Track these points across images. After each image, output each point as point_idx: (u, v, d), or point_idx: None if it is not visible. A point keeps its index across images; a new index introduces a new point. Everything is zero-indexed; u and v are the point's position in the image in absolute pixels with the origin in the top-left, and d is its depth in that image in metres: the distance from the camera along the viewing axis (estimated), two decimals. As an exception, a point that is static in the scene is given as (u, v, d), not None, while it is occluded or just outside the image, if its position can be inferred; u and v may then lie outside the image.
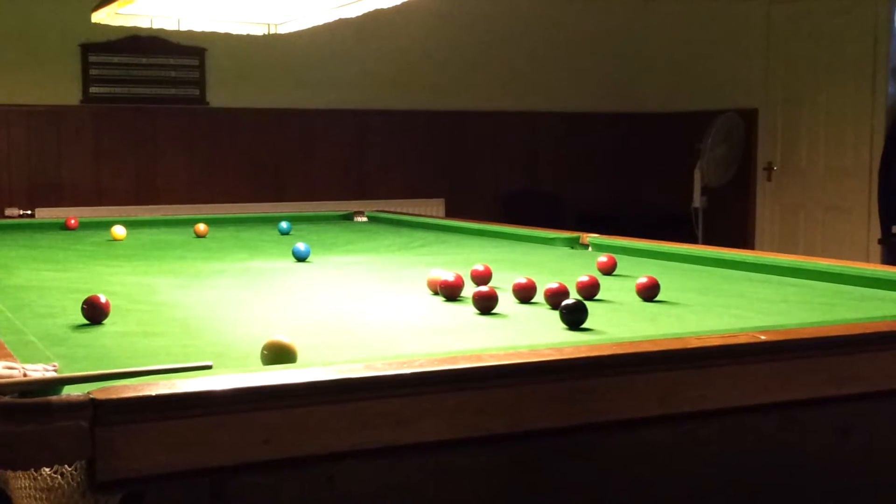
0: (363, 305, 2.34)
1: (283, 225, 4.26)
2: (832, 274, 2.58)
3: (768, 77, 7.24)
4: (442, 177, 7.51)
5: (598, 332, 1.88)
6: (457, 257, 3.24)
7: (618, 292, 2.40)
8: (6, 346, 1.56)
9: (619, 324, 1.99)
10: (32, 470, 1.17)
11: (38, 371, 1.29)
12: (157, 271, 2.96)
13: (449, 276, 2.34)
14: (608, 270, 2.74)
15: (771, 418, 1.68)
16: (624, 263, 2.88)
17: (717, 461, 1.65)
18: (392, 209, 5.56)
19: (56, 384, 1.26)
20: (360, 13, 3.31)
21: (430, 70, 7.41)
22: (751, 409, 1.63)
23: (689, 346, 1.61)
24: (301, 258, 3.16)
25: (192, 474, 1.27)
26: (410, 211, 5.91)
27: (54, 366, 1.33)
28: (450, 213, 7.21)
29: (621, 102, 8.02)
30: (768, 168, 7.29)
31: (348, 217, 5.03)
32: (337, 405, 1.35)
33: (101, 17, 3.46)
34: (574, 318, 1.91)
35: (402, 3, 3.18)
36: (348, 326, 2.03)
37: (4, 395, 1.20)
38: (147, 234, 4.20)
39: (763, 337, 1.66)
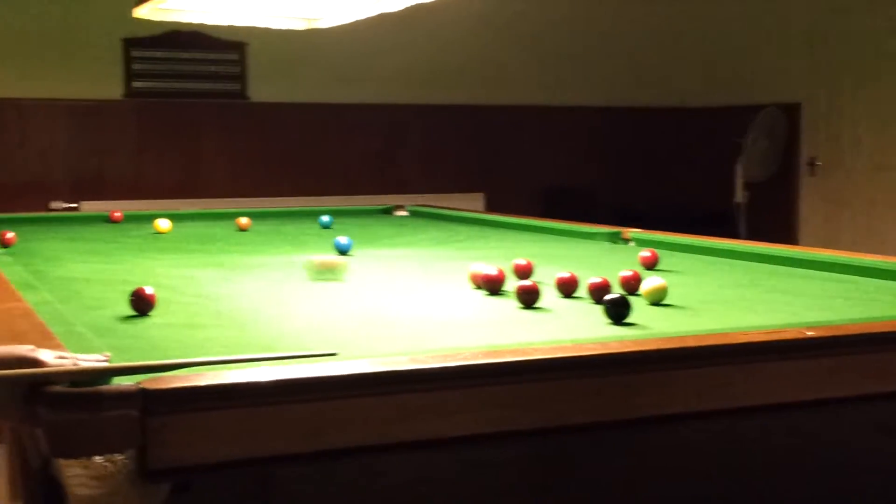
0: (406, 299, 2.35)
1: (325, 218, 4.28)
2: (877, 270, 2.55)
3: (812, 71, 7.16)
4: (482, 171, 7.50)
5: (642, 328, 1.87)
6: (498, 251, 3.24)
7: (660, 287, 2.38)
8: (56, 336, 1.58)
9: (663, 319, 1.98)
10: (84, 458, 1.19)
11: (91, 361, 1.31)
12: (201, 264, 2.98)
13: (491, 270, 2.34)
14: (651, 265, 2.74)
15: (815, 415, 1.67)
16: (666, 258, 2.86)
17: (760, 457, 1.64)
18: (432, 203, 5.56)
19: (139, 371, 1.28)
20: (401, 7, 3.31)
21: (471, 64, 7.41)
22: (795, 406, 1.62)
23: (734, 342, 1.60)
24: (343, 251, 3.18)
25: (239, 464, 1.28)
26: (450, 205, 5.92)
27: (106, 356, 1.34)
28: (489, 208, 7.21)
29: (662, 96, 7.97)
30: (811, 163, 7.21)
31: (389, 211, 5.05)
32: (381, 397, 1.36)
33: (143, 12, 3.49)
34: (618, 312, 1.90)
35: (443, -2, 3.18)
36: (391, 320, 2.04)
37: (61, 384, 1.22)
38: (190, 227, 4.24)
39: (810, 333, 1.65)
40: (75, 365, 1.27)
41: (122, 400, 1.19)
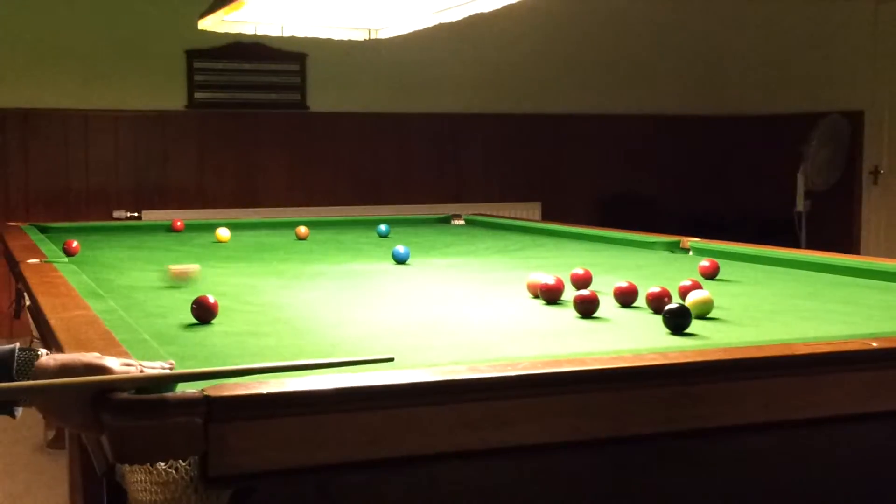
0: (464, 308, 2.35)
1: (382, 228, 4.30)
2: (944, 280, 2.50)
3: (875, 78, 7.05)
4: (538, 180, 7.49)
5: (702, 338, 1.85)
6: (555, 261, 3.23)
7: (721, 297, 2.36)
8: (122, 343, 1.61)
9: (723, 329, 1.97)
10: (148, 464, 1.21)
11: (156, 368, 1.33)
12: (261, 273, 3.01)
13: (549, 280, 2.33)
14: (711, 275, 2.71)
15: (881, 427, 1.64)
16: (726, 268, 2.84)
17: (825, 470, 1.62)
18: (488, 212, 5.57)
19: (201, 378, 1.30)
20: (460, 17, 3.33)
21: (527, 73, 7.41)
22: (860, 418, 1.59)
23: (797, 353, 1.58)
24: (401, 260, 3.19)
25: (299, 471, 1.30)
26: (506, 214, 5.92)
27: (170, 363, 1.36)
28: (546, 217, 7.19)
29: (722, 105, 7.90)
30: (874, 171, 7.10)
31: (445, 220, 5.06)
32: (440, 406, 1.36)
33: (207, 24, 3.55)
34: (678, 322, 1.89)
35: (500, 8, 3.19)
36: (450, 328, 2.04)
37: (126, 391, 1.24)
38: (250, 237, 4.28)
39: (875, 344, 1.62)
40: (141, 372, 1.29)
41: (186, 407, 1.20)
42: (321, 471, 1.31)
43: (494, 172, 7.39)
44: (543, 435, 1.41)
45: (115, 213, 6.50)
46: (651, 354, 1.55)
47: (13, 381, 1.28)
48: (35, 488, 3.80)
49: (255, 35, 3.81)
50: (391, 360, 1.41)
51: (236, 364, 1.58)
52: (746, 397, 1.52)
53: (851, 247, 7.03)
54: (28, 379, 1.29)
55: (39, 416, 1.32)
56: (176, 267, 2.75)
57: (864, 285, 2.59)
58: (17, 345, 1.34)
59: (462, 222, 4.99)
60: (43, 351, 1.34)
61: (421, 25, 3.59)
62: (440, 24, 3.46)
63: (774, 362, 1.55)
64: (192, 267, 2.77)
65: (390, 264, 3.19)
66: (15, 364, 1.30)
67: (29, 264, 2.87)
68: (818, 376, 1.56)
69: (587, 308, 2.12)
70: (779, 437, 1.56)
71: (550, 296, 2.31)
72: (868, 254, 6.77)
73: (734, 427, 1.51)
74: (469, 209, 5.86)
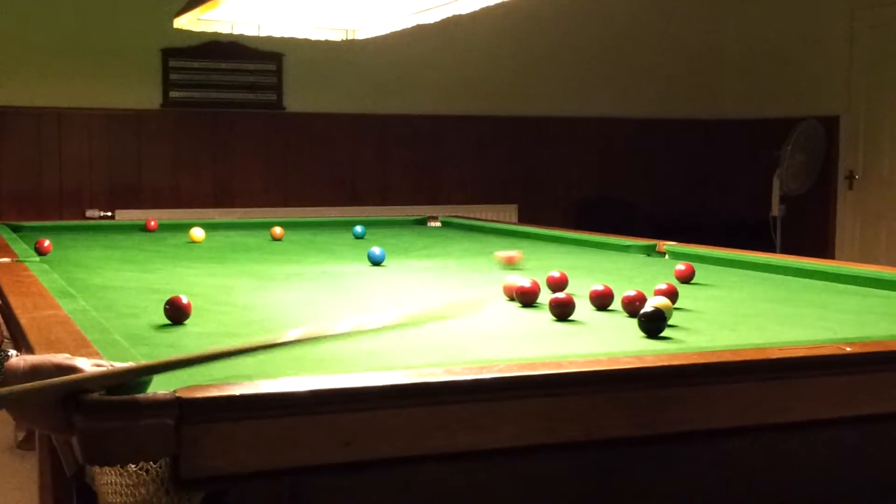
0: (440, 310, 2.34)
1: (358, 229, 4.29)
2: (917, 285, 2.51)
3: (850, 84, 7.10)
4: (515, 182, 7.50)
5: (678, 342, 1.85)
6: (532, 263, 3.23)
7: (696, 301, 2.37)
8: (93, 344, 1.59)
9: (699, 333, 1.97)
10: (119, 466, 1.19)
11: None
12: (235, 273, 3.00)
13: (525, 282, 2.33)
14: (686, 279, 2.71)
15: (855, 432, 1.64)
16: (702, 272, 2.84)
17: (799, 474, 1.62)
18: (465, 215, 5.56)
19: (142, 372, 1.27)
20: (437, 19, 3.32)
21: (505, 76, 7.41)
22: (835, 422, 1.60)
23: (772, 357, 1.58)
24: (377, 262, 3.18)
25: (272, 474, 1.28)
26: (483, 217, 5.91)
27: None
28: (523, 219, 7.20)
29: (698, 108, 7.94)
30: (850, 176, 7.15)
31: (422, 222, 5.05)
32: (416, 408, 1.36)
33: (183, 22, 3.52)
34: (653, 326, 1.89)
35: (478, 10, 3.18)
36: (425, 331, 2.03)
37: (93, 391, 1.22)
38: (224, 237, 4.26)
39: (849, 349, 1.63)
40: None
41: (157, 408, 1.19)
42: (294, 473, 1.30)
43: (471, 174, 7.39)
44: (519, 438, 1.40)
45: (89, 213, 6.46)
46: (626, 358, 1.55)
47: None
48: (5, 489, 3.76)
49: (231, 34, 3.80)
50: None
51: (210, 364, 1.57)
52: (721, 401, 1.52)
53: (826, 251, 7.08)
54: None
55: (9, 417, 1.30)
56: (503, 253, 2.95)
57: (838, 290, 2.61)
58: None
59: (439, 224, 4.99)
60: (13, 352, 1.32)
61: (399, 26, 3.58)
62: (418, 25, 3.45)
63: (749, 366, 1.55)
64: (517, 253, 2.97)
65: (366, 266, 3.17)
66: None
67: (1, 263, 2.84)
68: (793, 380, 1.56)
69: (563, 311, 2.11)
70: (753, 441, 1.56)
71: (526, 298, 2.31)
72: (842, 258, 6.81)
73: (709, 431, 1.51)
74: (446, 211, 5.86)
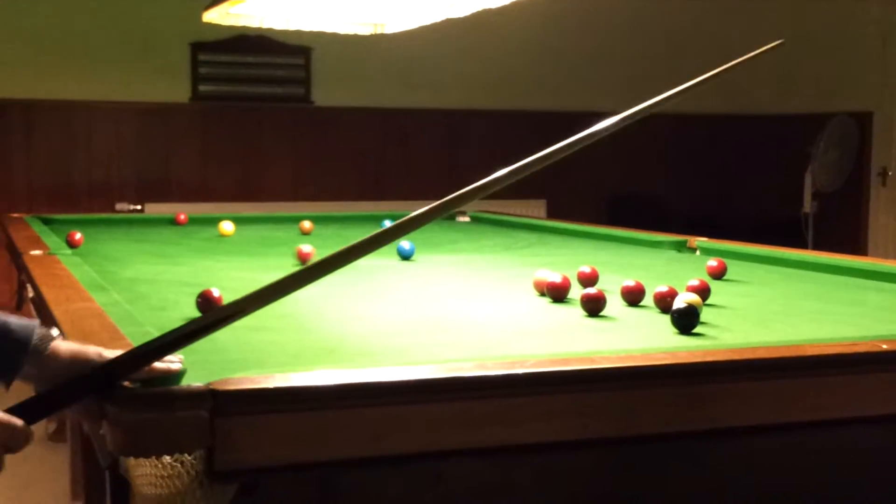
0: (470, 305, 2.34)
1: (387, 223, 4.28)
2: (953, 283, 2.49)
3: (884, 79, 7.03)
4: (544, 177, 7.44)
5: (710, 338, 1.84)
6: (562, 258, 3.22)
7: (728, 297, 2.35)
8: (127, 336, 1.60)
9: (731, 329, 1.95)
10: (154, 458, 1.20)
11: (165, 362, 1.32)
12: (264, 267, 3.00)
13: (556, 278, 2.32)
14: (718, 275, 2.70)
15: (889, 430, 1.63)
16: (733, 268, 2.82)
17: (833, 472, 1.60)
18: (493, 209, 5.55)
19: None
20: (467, 13, 3.31)
21: (534, 70, 7.38)
22: (869, 421, 1.58)
23: (807, 354, 1.57)
24: (406, 257, 3.18)
25: (304, 467, 1.29)
26: (511, 211, 5.90)
27: (180, 358, 1.36)
28: (551, 215, 7.17)
29: (729, 103, 7.87)
30: (883, 173, 7.08)
31: (451, 217, 5.04)
32: (447, 404, 1.35)
33: (212, 16, 3.53)
34: (686, 322, 1.88)
35: (510, 3, 3.17)
36: (456, 325, 2.03)
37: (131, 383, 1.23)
38: (254, 231, 4.27)
39: (885, 346, 1.61)
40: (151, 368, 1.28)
41: (192, 401, 1.19)
42: (326, 466, 1.31)
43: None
44: (550, 433, 1.40)
45: (118, 206, 6.49)
46: (660, 354, 1.54)
47: (26, 356, 1.27)
48: (36, 481, 3.79)
49: (260, 28, 3.80)
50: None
51: (241, 359, 1.58)
52: (755, 398, 1.50)
53: (858, 249, 7.01)
54: (41, 358, 1.28)
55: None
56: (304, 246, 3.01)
57: (871, 287, 2.58)
58: (38, 322, 1.33)
59: (467, 219, 4.98)
60: (55, 331, 1.33)
61: (428, 20, 3.57)
62: (447, 18, 3.44)
63: (784, 364, 1.53)
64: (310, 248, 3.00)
65: (395, 260, 3.17)
66: (32, 341, 1.29)
67: (32, 256, 2.86)
68: (827, 378, 1.55)
69: (594, 306, 2.10)
70: (787, 438, 1.55)
71: (557, 294, 2.30)
72: (874, 255, 6.75)
73: (742, 428, 1.50)
74: (473, 206, 5.84)
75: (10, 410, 1.22)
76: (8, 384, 1.30)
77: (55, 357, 1.29)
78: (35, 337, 1.29)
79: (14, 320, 1.30)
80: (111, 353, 1.29)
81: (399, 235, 1.43)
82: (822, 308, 2.27)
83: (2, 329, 1.28)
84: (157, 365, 1.27)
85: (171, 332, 1.27)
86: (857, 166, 7.07)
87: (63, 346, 1.31)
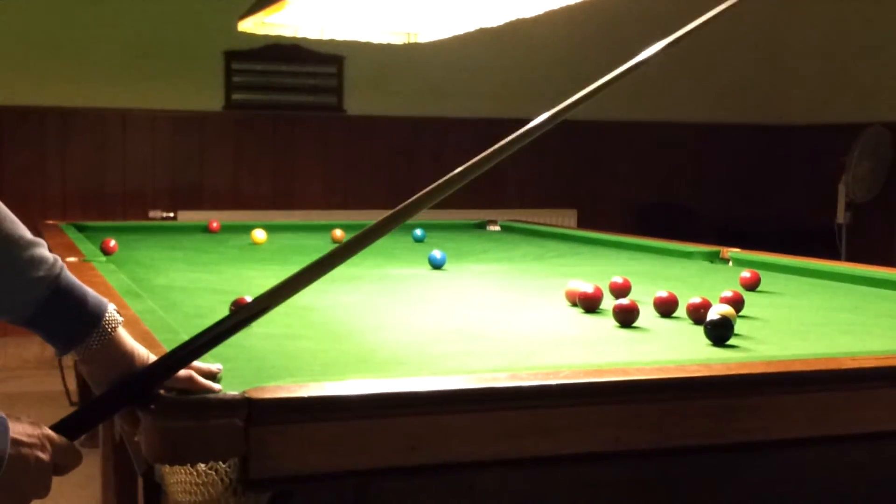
0: (502, 314, 2.34)
1: (418, 232, 4.29)
2: None
3: (919, 90, 6.97)
4: (574, 187, 7.46)
5: (745, 350, 1.83)
6: (593, 269, 3.21)
7: (762, 309, 2.33)
8: (162, 344, 1.61)
9: (766, 341, 1.94)
10: (189, 465, 1.21)
11: (204, 367, 1.33)
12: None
13: (588, 288, 2.31)
14: (752, 286, 2.68)
15: (928, 445, 1.61)
16: (767, 279, 2.80)
17: (871, 486, 1.59)
18: (524, 219, 5.55)
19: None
20: (500, 22, 3.32)
21: (566, 79, 7.35)
22: (907, 435, 1.56)
23: (844, 367, 1.55)
24: (437, 266, 3.18)
25: (339, 476, 1.29)
26: (542, 221, 5.89)
27: (219, 367, 1.36)
28: (582, 225, 7.16)
29: (762, 113, 7.84)
30: (916, 184, 7.02)
31: (481, 226, 5.05)
32: (481, 414, 1.35)
33: (247, 25, 3.56)
34: (720, 333, 1.86)
35: (542, 13, 3.18)
36: (488, 335, 2.03)
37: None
38: (286, 239, 4.29)
39: (922, 360, 1.59)
40: (188, 370, 1.29)
41: (227, 409, 1.20)
42: (360, 476, 1.31)
43: (530, 178, 7.37)
44: (584, 445, 1.39)
45: (151, 213, 6.55)
46: (695, 366, 1.53)
47: (95, 331, 1.29)
48: (66, 486, 3.79)
49: (293, 37, 3.82)
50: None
51: (276, 367, 1.58)
52: (792, 411, 1.49)
53: (892, 260, 6.94)
54: (105, 339, 1.30)
55: (67, 412, 1.31)
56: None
57: (908, 299, 2.55)
58: (111, 304, 1.34)
59: (498, 228, 4.98)
60: (120, 316, 1.35)
61: (461, 30, 3.58)
62: (480, 28, 3.45)
63: (821, 376, 1.52)
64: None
65: (426, 269, 3.18)
66: (104, 319, 1.31)
67: (68, 262, 2.89)
68: (865, 391, 1.53)
69: (627, 317, 2.09)
70: (823, 452, 1.54)
71: (589, 304, 2.29)
72: (908, 267, 6.68)
73: (779, 441, 1.49)
74: (504, 215, 5.83)
75: (54, 428, 1.23)
76: (64, 353, 1.31)
77: (116, 343, 1.31)
78: (107, 315, 1.30)
79: (92, 293, 1.32)
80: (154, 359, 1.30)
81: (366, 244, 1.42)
82: (857, 320, 2.25)
83: (81, 299, 1.30)
84: (200, 380, 1.28)
85: (201, 334, 1.28)
86: (890, 177, 7.00)
87: (125, 336, 1.33)
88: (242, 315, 1.30)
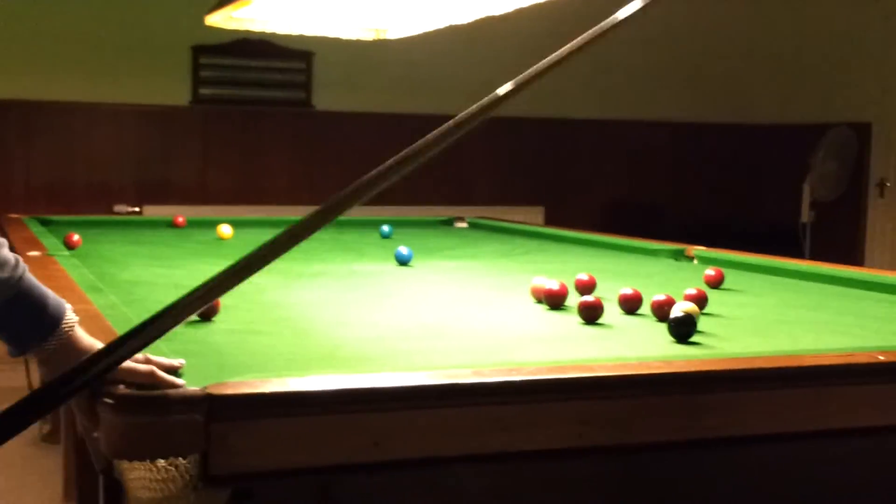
0: (467, 311, 2.34)
1: (385, 228, 4.29)
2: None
3: (883, 91, 7.03)
4: (542, 184, 7.47)
5: (707, 347, 1.84)
6: (559, 266, 3.22)
7: (726, 306, 2.35)
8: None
9: (729, 338, 1.95)
10: (149, 461, 1.20)
11: (166, 362, 1.32)
12: (262, 271, 2.99)
13: (553, 285, 2.32)
14: (716, 284, 2.69)
15: (889, 441, 1.62)
16: (731, 277, 2.82)
17: (831, 483, 1.60)
18: (491, 216, 5.55)
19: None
20: (470, 20, 3.31)
21: (534, 77, 7.38)
22: (867, 431, 1.58)
23: (804, 364, 1.57)
24: (404, 262, 3.18)
25: (301, 473, 1.28)
26: (509, 218, 5.90)
27: (181, 362, 1.35)
28: (549, 222, 7.17)
29: (727, 113, 7.88)
30: (881, 184, 7.08)
31: (449, 222, 5.05)
32: (445, 410, 1.35)
33: (215, 20, 3.53)
34: (683, 331, 1.87)
35: (512, 11, 3.18)
36: (452, 332, 2.03)
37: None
38: (252, 234, 4.26)
39: (882, 357, 1.61)
40: (149, 366, 1.28)
41: (188, 404, 1.19)
42: (322, 472, 1.30)
43: (498, 176, 7.38)
44: (547, 441, 1.40)
45: (116, 208, 6.48)
46: (656, 362, 1.54)
47: (53, 334, 1.29)
48: (29, 482, 3.78)
49: (262, 32, 3.80)
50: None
51: (238, 362, 1.57)
52: (752, 408, 1.50)
53: (856, 259, 7.01)
54: (62, 340, 1.29)
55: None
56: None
57: (869, 298, 2.58)
58: (68, 305, 1.33)
59: (465, 225, 4.98)
60: (76, 316, 1.33)
61: (430, 27, 3.58)
62: (450, 25, 3.44)
63: (781, 373, 1.53)
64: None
65: (393, 265, 3.17)
66: (62, 321, 1.30)
67: (30, 256, 2.86)
68: (826, 388, 1.55)
69: (591, 314, 2.10)
70: (784, 448, 1.55)
71: (554, 301, 2.30)
72: (872, 266, 6.75)
73: (739, 438, 1.50)
74: (472, 212, 5.83)
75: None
76: (20, 354, 1.30)
77: (72, 343, 1.30)
78: (65, 317, 1.29)
79: (52, 296, 1.31)
80: None
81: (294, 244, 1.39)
82: (819, 318, 2.27)
83: (41, 302, 1.29)
84: (162, 375, 1.27)
85: (150, 319, 1.26)
86: (855, 177, 7.07)
87: (81, 334, 1.32)
88: (187, 300, 1.27)
